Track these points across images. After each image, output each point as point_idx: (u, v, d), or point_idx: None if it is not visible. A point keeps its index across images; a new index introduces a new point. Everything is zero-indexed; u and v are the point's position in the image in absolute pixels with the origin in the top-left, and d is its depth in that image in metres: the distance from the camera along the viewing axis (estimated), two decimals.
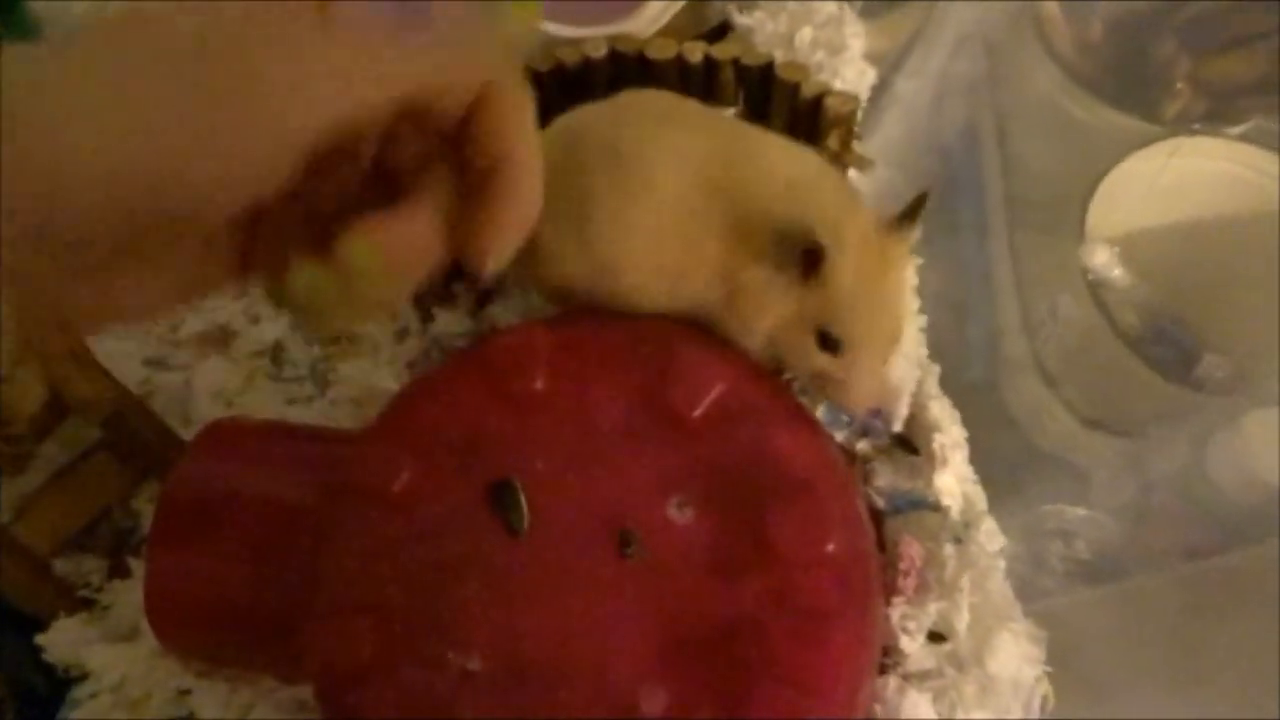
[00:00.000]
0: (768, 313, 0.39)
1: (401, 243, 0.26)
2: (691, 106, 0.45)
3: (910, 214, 0.39)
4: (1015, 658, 0.39)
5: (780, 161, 0.41)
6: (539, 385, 0.39)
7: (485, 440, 0.39)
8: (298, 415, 0.51)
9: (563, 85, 0.52)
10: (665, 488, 0.38)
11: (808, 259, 0.38)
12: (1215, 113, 0.59)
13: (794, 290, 0.39)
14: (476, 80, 0.27)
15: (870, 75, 0.58)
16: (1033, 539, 0.49)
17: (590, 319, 0.41)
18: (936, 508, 0.43)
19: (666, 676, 0.36)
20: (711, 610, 0.36)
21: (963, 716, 0.38)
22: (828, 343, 0.39)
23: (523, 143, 0.27)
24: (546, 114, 0.52)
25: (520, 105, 0.28)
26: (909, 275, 0.43)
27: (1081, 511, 0.54)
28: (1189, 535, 0.49)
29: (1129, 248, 0.57)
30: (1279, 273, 0.60)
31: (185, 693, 0.44)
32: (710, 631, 0.36)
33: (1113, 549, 0.48)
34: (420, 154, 0.28)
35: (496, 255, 0.27)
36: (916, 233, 0.40)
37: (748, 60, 0.52)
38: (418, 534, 0.38)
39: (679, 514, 0.38)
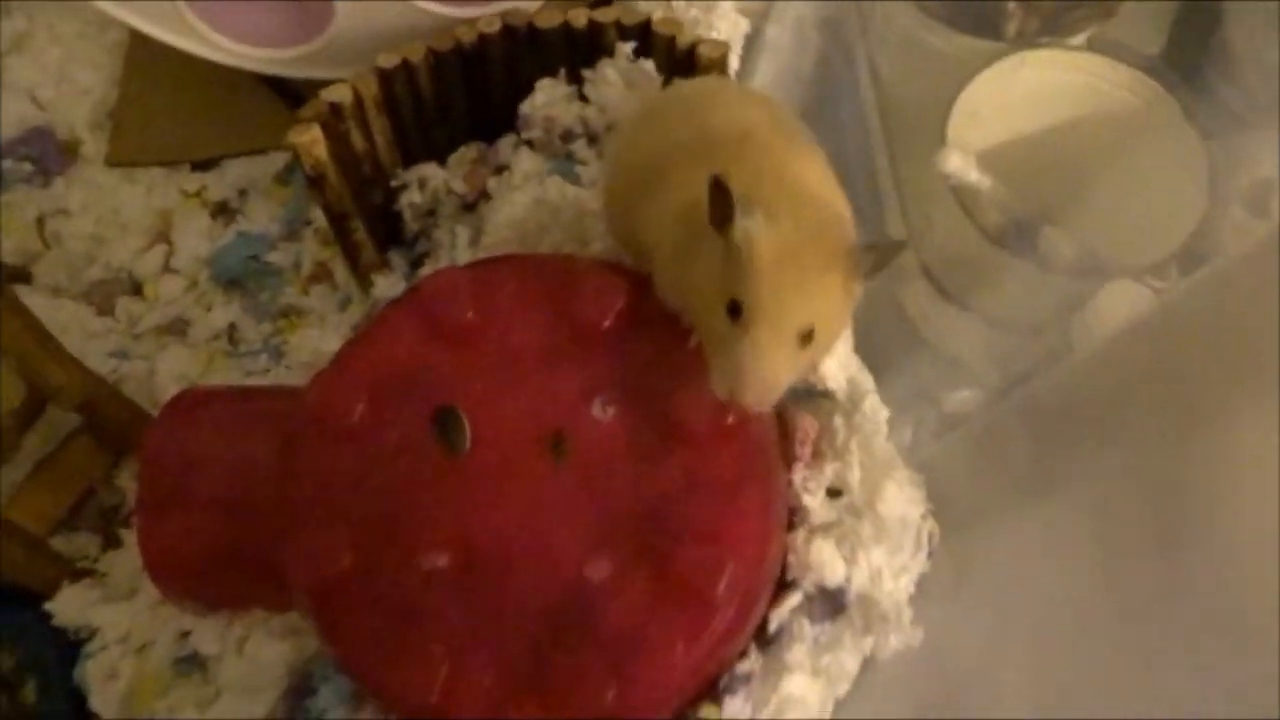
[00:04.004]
0: (691, 263, 0.40)
1: None
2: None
3: (878, 258, 0.39)
4: (902, 502, 0.45)
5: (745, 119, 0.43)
6: (469, 317, 0.44)
7: (427, 372, 0.44)
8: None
9: (462, 61, 0.57)
10: (588, 392, 0.44)
11: (716, 203, 0.38)
12: (1049, 28, 0.66)
13: (720, 249, 0.39)
14: None
15: (744, 25, 0.64)
16: (913, 413, 0.56)
17: (502, 260, 0.47)
18: (826, 394, 0.49)
19: (605, 550, 0.41)
20: (637, 490, 0.42)
21: (863, 555, 0.44)
22: (732, 308, 0.38)
23: None
24: (450, 89, 0.58)
25: None
26: (847, 308, 0.41)
27: (962, 393, 0.61)
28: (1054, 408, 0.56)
29: (987, 157, 0.64)
30: (1122, 165, 0.67)
31: (186, 634, 0.49)
32: (638, 509, 0.42)
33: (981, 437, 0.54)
34: None
35: None
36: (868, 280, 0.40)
37: (627, 20, 0.57)
38: (375, 459, 0.43)
39: (602, 413, 0.43)
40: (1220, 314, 0.42)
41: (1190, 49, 0.73)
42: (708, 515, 0.42)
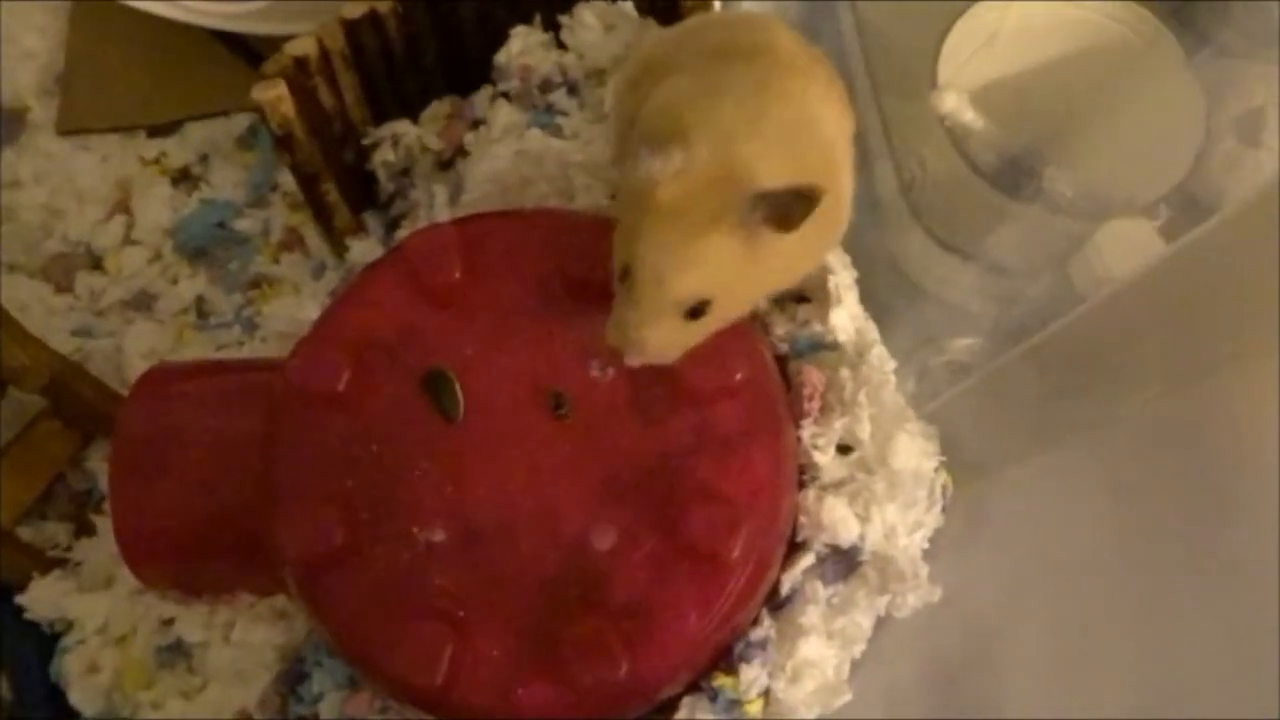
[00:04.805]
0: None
1: None
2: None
3: (785, 209, 0.35)
4: (914, 454, 0.43)
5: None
6: (453, 281, 0.42)
7: (415, 335, 0.42)
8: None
9: (433, 10, 0.54)
10: (584, 352, 0.41)
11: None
12: None
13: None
14: None
15: None
16: (921, 377, 0.54)
17: (490, 216, 0.45)
18: (834, 346, 0.47)
19: (611, 515, 0.40)
20: (642, 451, 0.40)
21: (876, 512, 0.42)
22: (622, 273, 0.37)
23: None
24: (422, 39, 0.55)
25: None
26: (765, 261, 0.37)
27: (965, 340, 0.60)
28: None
29: (979, 96, 0.62)
30: (1117, 100, 0.65)
31: (168, 622, 0.47)
32: (643, 470, 0.40)
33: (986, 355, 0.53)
34: None
35: None
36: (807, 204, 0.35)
37: None
38: (365, 429, 0.41)
39: (600, 374, 0.41)
40: (1234, 260, 0.41)
41: None
42: (717, 475, 0.40)
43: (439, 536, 0.40)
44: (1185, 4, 0.68)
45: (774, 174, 0.36)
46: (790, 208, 0.35)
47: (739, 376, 0.40)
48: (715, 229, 0.35)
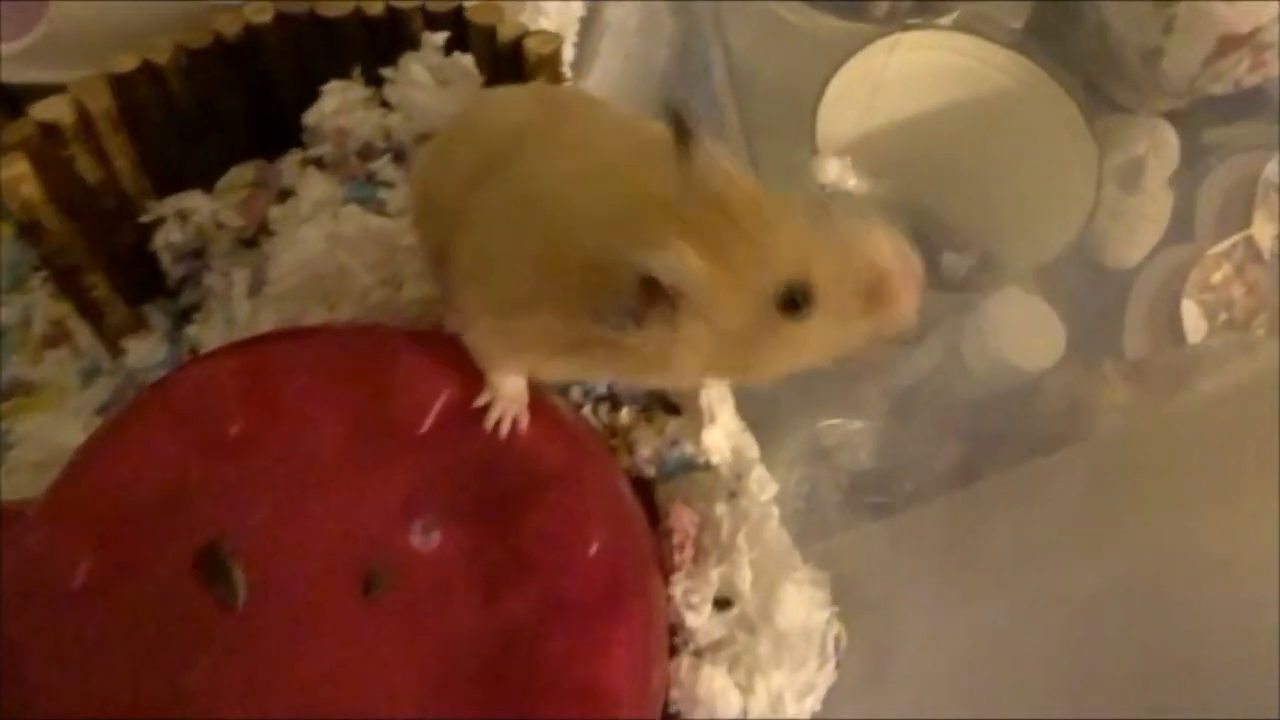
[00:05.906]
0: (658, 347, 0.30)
1: None
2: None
3: (680, 130, 0.29)
4: (803, 606, 0.37)
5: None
6: (235, 429, 0.33)
7: (185, 498, 0.33)
8: None
9: (227, 60, 0.45)
10: (405, 513, 0.34)
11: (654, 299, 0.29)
12: (922, 8, 0.59)
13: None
14: None
15: (577, 8, 0.54)
16: (812, 462, 0.49)
17: (282, 338, 0.36)
18: (707, 467, 0.40)
19: (442, 713, 0.32)
20: (479, 632, 0.33)
21: (760, 681, 0.36)
22: (788, 303, 0.29)
23: None
24: (215, 95, 0.46)
25: None
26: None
27: (858, 424, 0.54)
28: (951, 425, 0.50)
29: (861, 152, 0.57)
30: (1007, 154, 0.61)
31: None
32: (482, 655, 0.33)
33: (882, 459, 0.48)
34: None
35: None
36: (710, 141, 0.29)
37: (435, 6, 0.47)
38: (122, 624, 0.32)
39: (424, 540, 0.34)
40: (1159, 444, 0.37)
41: (1053, 22, 0.68)
42: (570, 658, 0.33)
43: None
44: (1061, 45, 0.65)
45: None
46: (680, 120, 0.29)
47: (596, 546, 0.33)
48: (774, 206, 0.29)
